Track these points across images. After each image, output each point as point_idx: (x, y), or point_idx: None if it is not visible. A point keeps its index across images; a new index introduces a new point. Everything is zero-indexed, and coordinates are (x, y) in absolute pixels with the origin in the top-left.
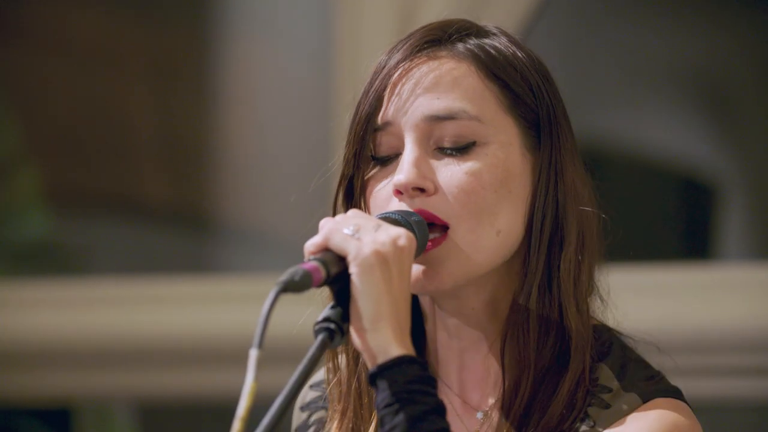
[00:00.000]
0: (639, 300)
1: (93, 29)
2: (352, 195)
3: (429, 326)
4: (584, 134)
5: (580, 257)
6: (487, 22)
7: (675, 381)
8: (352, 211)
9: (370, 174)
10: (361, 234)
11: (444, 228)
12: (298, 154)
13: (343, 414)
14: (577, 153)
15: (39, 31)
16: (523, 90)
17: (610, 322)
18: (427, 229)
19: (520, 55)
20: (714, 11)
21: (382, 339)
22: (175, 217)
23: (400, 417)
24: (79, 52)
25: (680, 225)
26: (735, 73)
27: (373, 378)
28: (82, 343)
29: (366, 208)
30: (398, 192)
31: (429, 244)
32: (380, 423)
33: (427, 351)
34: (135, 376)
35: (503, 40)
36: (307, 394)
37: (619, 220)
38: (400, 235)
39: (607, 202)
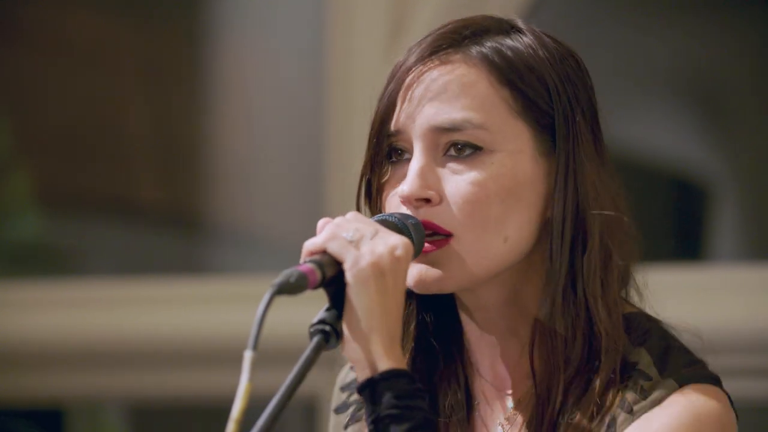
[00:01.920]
0: (630, 301)
1: (86, 30)
2: (371, 195)
3: (463, 322)
4: None
5: (604, 259)
6: (513, 16)
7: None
8: (351, 214)
9: (385, 177)
10: (359, 242)
11: (447, 235)
12: (290, 156)
13: None
14: (602, 152)
15: (31, 32)
16: (538, 93)
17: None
18: (424, 233)
19: (541, 54)
20: (707, 13)
21: (372, 351)
22: (168, 218)
23: None
24: (71, 53)
25: (672, 226)
26: (728, 75)
27: (362, 390)
28: (75, 344)
29: (382, 210)
30: (403, 202)
31: (429, 245)
32: None
33: (465, 343)
34: (127, 377)
35: (526, 39)
36: (347, 375)
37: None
38: (397, 245)
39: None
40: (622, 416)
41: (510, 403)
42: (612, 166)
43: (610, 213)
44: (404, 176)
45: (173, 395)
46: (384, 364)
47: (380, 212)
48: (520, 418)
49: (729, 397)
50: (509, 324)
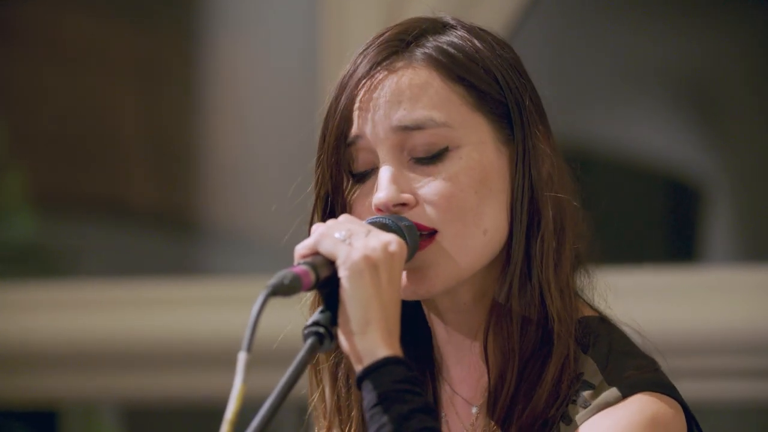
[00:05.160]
0: (624, 302)
1: (80, 32)
2: (333, 214)
3: (432, 327)
4: (571, 135)
5: (558, 242)
6: (443, 14)
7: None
8: (344, 216)
9: (352, 193)
10: (351, 239)
11: (432, 232)
12: (284, 157)
13: (329, 430)
14: (551, 136)
15: (26, 33)
16: (489, 84)
17: (598, 303)
18: (418, 235)
19: (480, 46)
20: (702, 14)
21: (370, 342)
22: (162, 219)
23: (388, 416)
24: (65, 54)
25: (666, 227)
26: (722, 76)
27: (360, 380)
28: (69, 345)
29: None
30: (379, 210)
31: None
32: (368, 424)
33: (434, 351)
34: (121, 378)
35: (461, 32)
36: None
37: (606, 221)
38: (391, 241)
39: (594, 203)
40: (563, 428)
41: (474, 409)
42: (560, 150)
43: (562, 195)
44: (373, 189)
45: (167, 396)
46: (382, 353)
47: None
48: (482, 422)
49: (684, 405)
50: (470, 325)
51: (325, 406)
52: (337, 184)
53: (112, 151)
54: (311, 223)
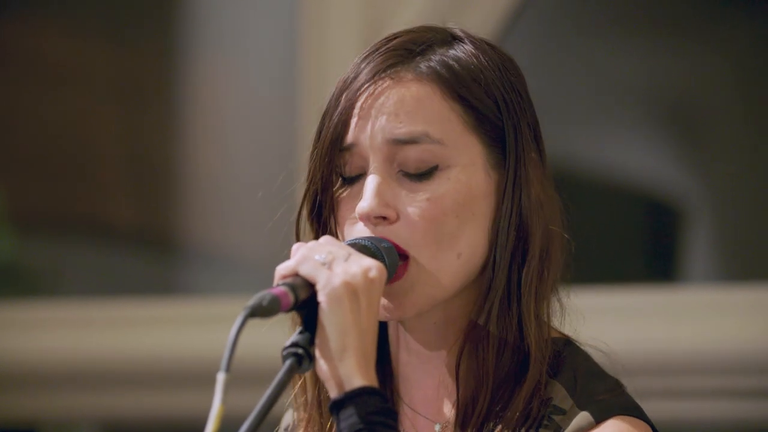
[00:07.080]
0: (603, 322)
1: (59, 51)
2: (320, 212)
3: (392, 347)
4: (550, 153)
5: (542, 272)
6: (452, 25)
7: (639, 403)
8: (324, 238)
9: (340, 194)
10: (332, 264)
11: (405, 257)
12: (264, 177)
13: (308, 423)
14: (545, 164)
15: (4, 52)
16: (488, 107)
17: (567, 329)
18: (398, 257)
19: (486, 64)
20: (682, 33)
21: (346, 369)
22: (142, 239)
23: None
24: (44, 73)
25: (645, 247)
26: (702, 95)
27: (335, 407)
28: (49, 365)
29: (337, 226)
30: (361, 218)
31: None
32: None
33: (392, 371)
34: (102, 398)
35: (468, 47)
36: (289, 416)
37: (584, 241)
38: (371, 267)
39: (572, 222)
40: None
41: (437, 427)
42: (552, 179)
43: (552, 228)
44: (360, 193)
45: (147, 416)
46: (357, 382)
47: (334, 229)
48: None
49: (652, 426)
50: (436, 345)
51: (306, 399)
52: (327, 184)
53: (93, 170)
54: (299, 217)
